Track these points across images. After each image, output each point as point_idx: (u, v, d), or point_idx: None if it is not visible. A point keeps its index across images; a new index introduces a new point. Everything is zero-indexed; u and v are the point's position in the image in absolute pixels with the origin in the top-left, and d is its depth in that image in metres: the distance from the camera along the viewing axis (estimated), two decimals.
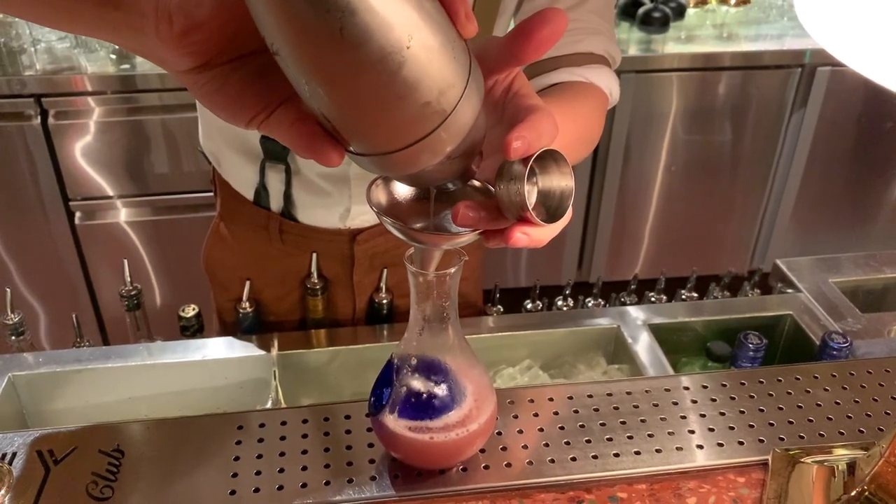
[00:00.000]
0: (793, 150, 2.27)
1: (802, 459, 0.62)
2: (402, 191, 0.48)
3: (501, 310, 1.14)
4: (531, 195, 0.43)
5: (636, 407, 0.73)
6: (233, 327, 1.08)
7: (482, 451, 0.66)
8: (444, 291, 0.55)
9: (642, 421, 0.71)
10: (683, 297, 1.16)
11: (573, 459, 0.66)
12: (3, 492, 0.58)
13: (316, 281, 1.03)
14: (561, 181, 0.44)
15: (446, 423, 0.58)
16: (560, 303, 1.17)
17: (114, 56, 1.93)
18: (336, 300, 1.06)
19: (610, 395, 0.74)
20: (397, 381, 0.59)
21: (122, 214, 2.02)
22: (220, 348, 0.94)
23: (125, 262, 1.09)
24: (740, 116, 2.21)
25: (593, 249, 2.36)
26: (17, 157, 1.91)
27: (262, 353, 0.93)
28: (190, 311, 1.09)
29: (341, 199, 0.93)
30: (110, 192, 1.99)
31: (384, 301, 1.04)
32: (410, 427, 0.58)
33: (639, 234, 2.37)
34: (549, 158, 0.43)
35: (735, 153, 2.27)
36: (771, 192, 2.35)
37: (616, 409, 0.72)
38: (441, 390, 0.58)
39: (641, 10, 2.24)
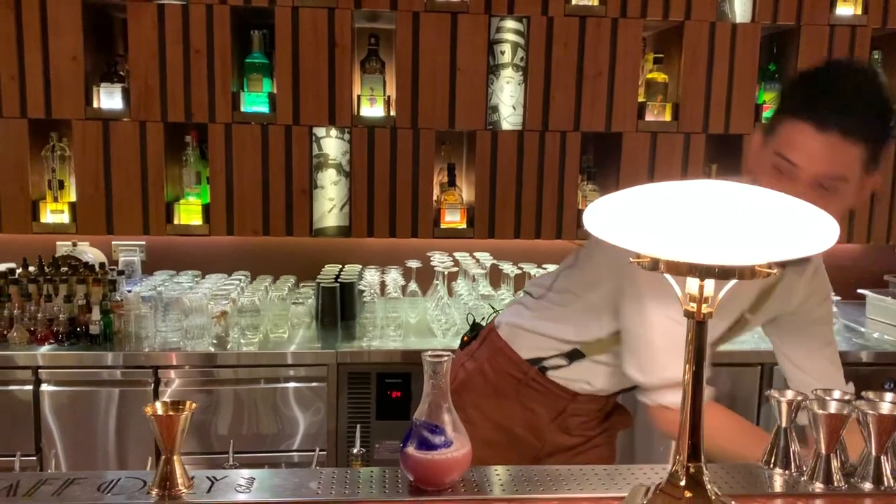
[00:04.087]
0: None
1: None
2: None
3: None
4: None
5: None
6: None
7: (463, 485, 1.07)
8: (444, 372, 1.04)
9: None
10: None
11: (530, 490, 1.06)
12: None
13: None
14: None
15: (441, 452, 1.02)
16: None
17: (215, 342, 2.53)
18: None
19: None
20: (415, 430, 1.04)
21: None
22: None
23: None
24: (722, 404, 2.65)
25: None
26: (133, 417, 2.43)
27: None
28: None
29: None
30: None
31: None
32: (420, 452, 1.02)
33: None
34: None
35: None
36: None
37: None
38: (439, 434, 1.03)
39: None
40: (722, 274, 0.85)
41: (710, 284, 0.91)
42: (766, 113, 3.00)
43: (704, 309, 0.90)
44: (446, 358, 1.04)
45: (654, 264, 0.88)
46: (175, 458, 1.01)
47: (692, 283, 0.90)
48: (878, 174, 1.34)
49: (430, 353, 1.04)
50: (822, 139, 1.24)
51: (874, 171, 1.32)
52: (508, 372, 1.66)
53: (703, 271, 0.85)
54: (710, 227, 0.84)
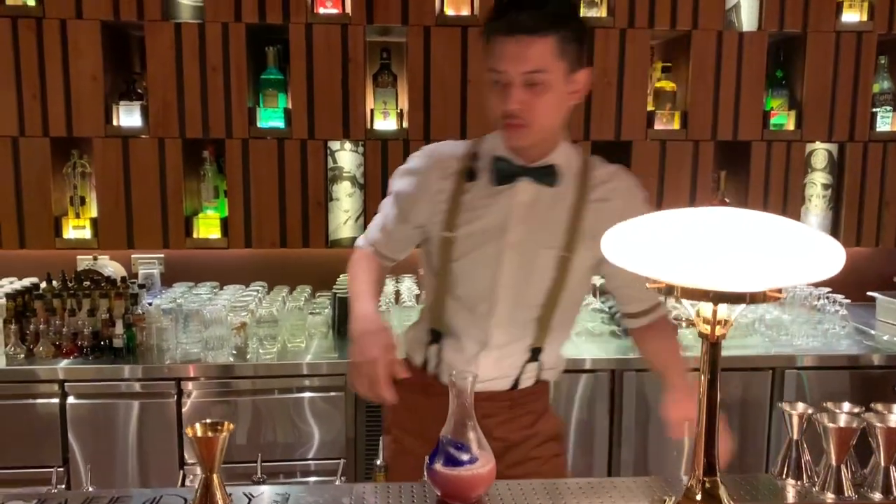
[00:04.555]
0: (779, 438, 2.71)
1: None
2: None
3: None
4: None
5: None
6: None
7: (489, 499, 1.11)
8: (468, 391, 1.09)
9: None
10: None
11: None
12: None
13: None
14: None
15: (467, 468, 1.07)
16: None
17: (234, 352, 2.58)
18: None
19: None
20: (441, 446, 1.09)
21: None
22: None
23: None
24: (733, 411, 2.68)
25: None
26: (157, 428, 2.49)
27: None
28: None
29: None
30: None
31: None
32: (447, 469, 1.07)
33: None
34: None
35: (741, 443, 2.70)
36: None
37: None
38: (464, 451, 1.08)
39: None
40: (734, 299, 0.90)
41: (723, 308, 0.95)
42: (774, 119, 3.04)
43: (718, 331, 0.94)
44: (469, 377, 1.09)
45: (670, 290, 0.92)
46: (214, 476, 1.06)
47: (706, 307, 0.94)
48: (587, 70, 1.50)
49: (454, 372, 1.10)
50: (512, 41, 1.41)
51: (579, 66, 1.48)
52: (412, 383, 1.66)
53: (716, 297, 0.90)
54: (722, 254, 0.88)
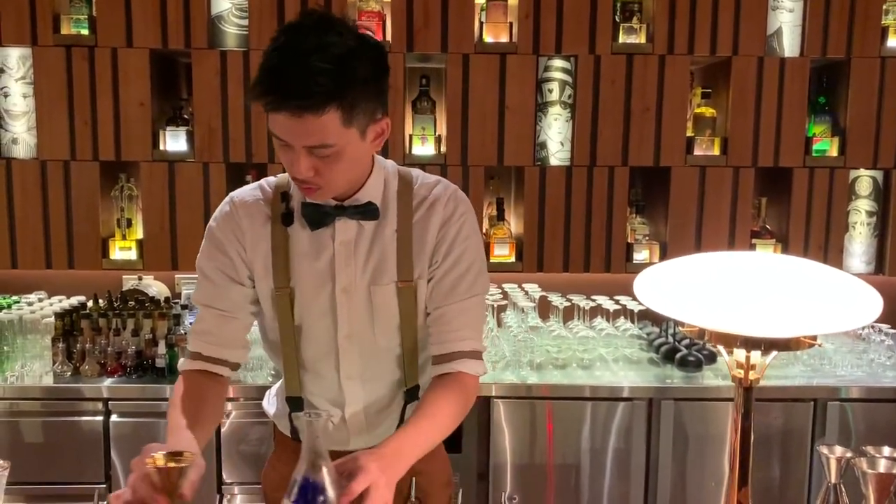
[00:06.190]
0: (821, 473, 2.65)
1: None
2: None
3: None
4: None
5: None
6: None
7: None
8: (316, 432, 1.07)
9: None
10: None
11: None
12: None
13: None
14: None
15: None
16: None
17: (273, 373, 2.62)
18: None
19: None
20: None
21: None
22: None
23: None
24: (773, 443, 2.64)
25: None
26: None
27: None
28: None
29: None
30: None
31: None
32: None
33: None
34: None
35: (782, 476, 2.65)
36: None
37: None
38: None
39: (679, 355, 2.83)
40: (767, 345, 0.90)
41: (756, 353, 0.95)
42: (817, 145, 3.00)
43: (752, 376, 0.94)
44: (324, 415, 1.07)
45: (701, 334, 0.92)
46: None
47: (739, 351, 0.94)
48: (385, 118, 1.31)
49: (310, 413, 1.07)
50: (283, 118, 1.20)
51: (376, 119, 1.28)
52: (287, 456, 1.56)
53: (748, 342, 0.90)
54: (755, 299, 0.88)
